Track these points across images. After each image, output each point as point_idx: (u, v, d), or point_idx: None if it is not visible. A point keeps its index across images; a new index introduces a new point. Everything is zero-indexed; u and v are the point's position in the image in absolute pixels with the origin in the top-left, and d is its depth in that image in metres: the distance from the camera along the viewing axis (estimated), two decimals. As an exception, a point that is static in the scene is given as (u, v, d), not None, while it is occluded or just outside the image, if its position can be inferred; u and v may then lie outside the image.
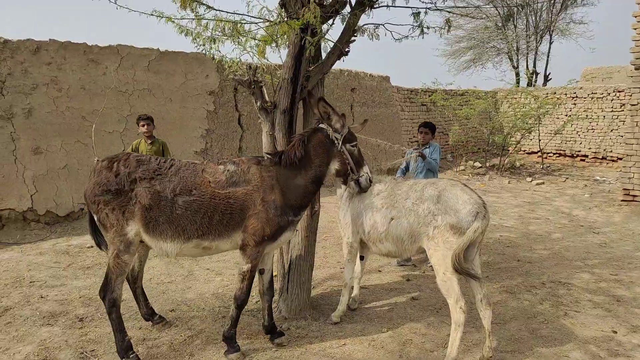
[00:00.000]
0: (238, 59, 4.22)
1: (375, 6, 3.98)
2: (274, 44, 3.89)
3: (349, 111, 11.38)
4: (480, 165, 14.26)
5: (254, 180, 3.35)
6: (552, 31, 21.09)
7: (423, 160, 5.40)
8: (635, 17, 8.73)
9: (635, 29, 8.76)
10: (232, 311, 3.52)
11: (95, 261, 5.71)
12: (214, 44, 3.92)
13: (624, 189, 9.20)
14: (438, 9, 4.45)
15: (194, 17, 3.63)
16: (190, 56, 8.22)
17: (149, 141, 6.01)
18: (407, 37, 4.37)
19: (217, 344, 3.70)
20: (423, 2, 4.15)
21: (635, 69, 8.84)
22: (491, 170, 13.81)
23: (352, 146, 3.65)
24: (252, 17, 3.54)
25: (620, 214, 8.90)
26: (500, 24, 20.88)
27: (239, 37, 3.84)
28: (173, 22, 3.87)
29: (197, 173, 3.32)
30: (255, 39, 3.69)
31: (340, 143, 3.56)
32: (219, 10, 3.62)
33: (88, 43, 7.14)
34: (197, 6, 3.54)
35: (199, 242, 3.31)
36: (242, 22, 3.62)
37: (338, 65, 4.24)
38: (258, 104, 3.97)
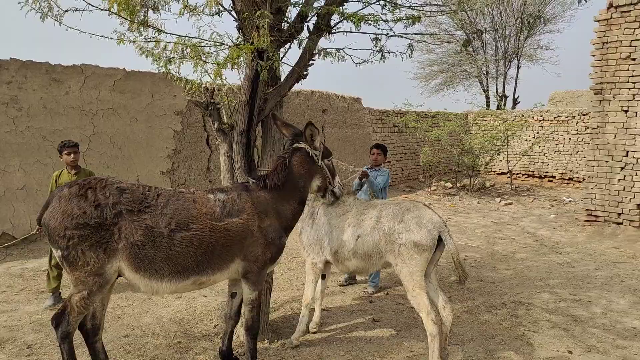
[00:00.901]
0: (198, 81, 4.23)
1: (332, 32, 4.05)
2: (234, 67, 3.92)
3: (320, 132, 11.45)
4: (451, 185, 14.48)
5: (247, 208, 3.24)
6: (520, 56, 21.83)
7: (365, 179, 5.32)
8: (594, 44, 9.11)
9: (593, 55, 9.13)
10: (249, 343, 3.41)
11: (51, 285, 5.52)
12: (171, 64, 3.91)
13: (587, 210, 9.44)
14: (396, 35, 4.55)
15: (148, 40, 3.62)
16: (157, 76, 8.19)
17: (73, 172, 5.05)
18: (367, 61, 4.45)
19: (168, 371, 3.60)
20: (381, 29, 4.23)
21: (595, 94, 9.17)
22: (462, 191, 14.02)
23: (329, 160, 3.77)
24: (209, 40, 3.55)
25: (584, 233, 9.11)
26: (470, 49, 21.51)
27: (198, 59, 3.85)
28: (130, 42, 3.86)
29: (190, 204, 3.06)
30: (210, 62, 3.69)
31: (320, 159, 3.63)
32: (169, 33, 3.63)
33: (51, 62, 7.05)
34: (144, 29, 3.53)
35: (198, 278, 3.11)
36: (198, 45, 3.63)
37: (310, 86, 4.32)
38: (215, 125, 3.96)
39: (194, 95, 4.04)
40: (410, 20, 4.05)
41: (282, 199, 3.44)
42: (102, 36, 3.49)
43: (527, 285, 5.84)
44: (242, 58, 3.71)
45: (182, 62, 4.05)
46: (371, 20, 3.43)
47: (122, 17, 3.28)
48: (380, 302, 5.23)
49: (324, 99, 11.59)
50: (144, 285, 3.00)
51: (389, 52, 4.47)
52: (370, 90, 56.65)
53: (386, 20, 3.65)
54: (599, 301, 5.28)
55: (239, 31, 3.79)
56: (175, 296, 5.24)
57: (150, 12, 3.47)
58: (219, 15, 3.83)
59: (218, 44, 3.50)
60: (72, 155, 5.00)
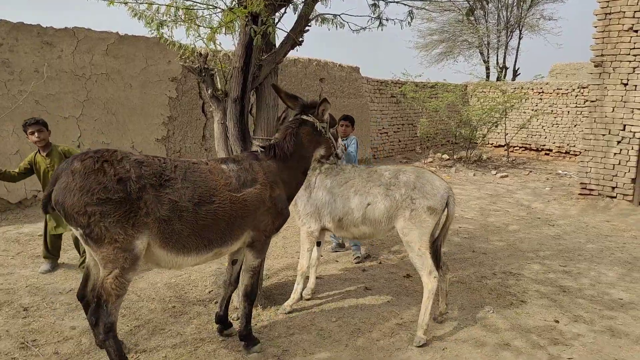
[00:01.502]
0: (192, 45, 4.14)
1: (329, -4, 3.94)
2: (228, 31, 3.84)
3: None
4: (448, 157, 14.47)
5: (260, 177, 3.27)
6: (522, 27, 21.45)
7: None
8: (596, 15, 8.94)
9: (595, 27, 8.97)
10: (245, 309, 3.47)
11: (47, 250, 5.57)
12: (163, 28, 3.82)
13: (581, 183, 9.47)
14: (395, 1, 4.45)
15: (136, 1, 3.52)
16: (152, 41, 8.03)
17: (44, 153, 4.67)
18: (364, 28, 4.37)
19: (163, 333, 3.67)
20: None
21: (595, 66, 9.06)
22: (458, 163, 14.02)
23: (334, 129, 3.88)
24: (201, 3, 3.46)
25: (577, 207, 9.17)
26: (472, 19, 21.12)
27: (191, 23, 3.77)
28: (122, 4, 3.76)
29: (207, 176, 3.01)
30: (204, 26, 3.61)
31: (328, 131, 3.72)
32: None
33: (42, 25, 6.89)
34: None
35: (219, 250, 3.12)
36: (192, 7, 3.54)
37: (307, 54, 4.28)
38: (209, 92, 3.91)
39: (188, 61, 3.96)
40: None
41: (288, 169, 3.49)
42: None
43: (518, 257, 5.92)
44: (236, 23, 3.63)
45: (175, 26, 3.97)
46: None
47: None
48: (372, 271, 5.30)
49: (321, 68, 11.43)
50: (168, 261, 2.93)
51: (387, 19, 4.39)
52: (369, 59, 55.91)
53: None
54: (588, 273, 5.37)
55: (234, -5, 3.68)
56: (170, 262, 5.29)
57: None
58: (213, -24, 3.71)
59: (211, 7, 3.41)
60: (36, 135, 4.56)
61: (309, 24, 3.98)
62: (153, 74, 8.15)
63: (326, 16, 4.08)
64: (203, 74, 3.83)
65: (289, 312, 4.12)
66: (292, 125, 3.55)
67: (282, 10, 3.76)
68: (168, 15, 3.86)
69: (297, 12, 3.85)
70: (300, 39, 3.97)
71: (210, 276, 4.93)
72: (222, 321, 3.70)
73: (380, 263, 5.60)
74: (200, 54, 3.81)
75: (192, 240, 2.92)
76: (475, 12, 20.21)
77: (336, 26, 4.22)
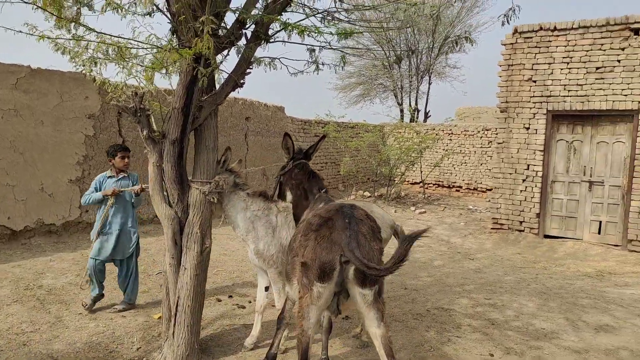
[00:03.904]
0: (123, 83, 3.93)
1: (271, 41, 3.97)
2: (163, 71, 3.70)
3: (243, 140, 11.24)
4: (369, 194, 14.91)
5: None
6: (431, 73, 23.20)
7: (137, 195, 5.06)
8: (501, 65, 9.92)
9: (500, 76, 9.94)
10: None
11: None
12: (95, 65, 3.60)
13: (493, 218, 10.20)
14: (332, 48, 4.60)
15: (71, 38, 3.29)
16: (68, 76, 7.52)
17: None
18: (302, 72, 4.44)
19: (89, 402, 3.26)
20: (319, 41, 4.24)
21: (501, 111, 9.98)
22: (379, 200, 14.49)
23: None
24: (140, 42, 3.31)
25: (491, 240, 9.82)
26: (386, 64, 22.48)
27: (124, 61, 3.58)
28: (47, 39, 3.49)
29: None
30: (141, 65, 3.45)
31: None
32: (101, 33, 3.33)
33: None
34: (76, 27, 3.22)
35: None
36: (129, 46, 3.37)
37: (232, 94, 4.19)
38: (144, 133, 3.70)
39: (121, 100, 3.74)
40: (345, 35, 4.11)
41: None
42: (20, 31, 3.10)
43: (446, 292, 6.14)
44: (176, 63, 3.52)
45: (105, 63, 3.76)
46: (315, 32, 3.41)
47: (50, 13, 2.94)
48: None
49: (247, 107, 11.41)
50: None
51: (323, 64, 4.52)
52: (291, 99, 57.10)
53: (328, 33, 3.65)
54: (511, 304, 5.69)
55: (173, 34, 3.58)
56: (90, 318, 4.79)
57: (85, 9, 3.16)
58: (150, 15, 3.59)
59: (151, 47, 3.27)
60: None
61: (251, 67, 3.96)
62: (68, 110, 7.59)
63: (264, 59, 4.11)
64: (139, 114, 3.63)
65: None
66: None
67: (225, 52, 3.71)
68: (100, 52, 3.66)
69: (239, 55, 3.82)
70: (242, 81, 3.93)
71: (137, 331, 4.53)
72: None
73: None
74: (136, 94, 3.62)
75: None
76: (389, 58, 21.56)
77: (271, 68, 4.27)
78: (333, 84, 34.77)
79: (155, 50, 3.30)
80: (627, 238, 8.67)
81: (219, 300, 5.48)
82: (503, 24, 4.40)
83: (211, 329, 4.67)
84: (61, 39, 3.33)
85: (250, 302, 5.46)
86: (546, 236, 9.59)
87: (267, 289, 4.33)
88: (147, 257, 7.06)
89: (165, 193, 3.86)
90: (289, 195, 3.87)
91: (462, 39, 4.67)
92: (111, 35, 3.33)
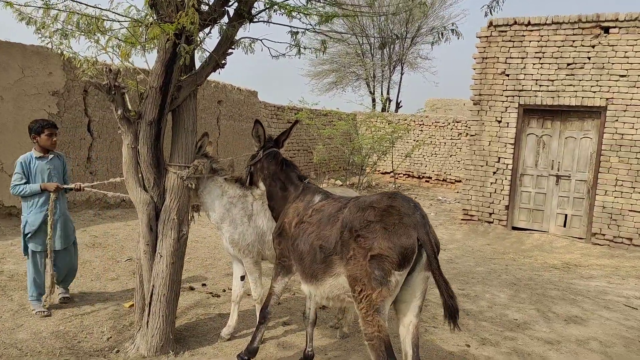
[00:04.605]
0: (94, 59, 3.68)
1: (254, 20, 3.80)
2: (149, 48, 3.49)
3: (215, 124, 10.96)
4: (341, 183, 14.89)
5: None
6: (403, 63, 23.29)
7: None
8: (475, 58, 9.99)
9: (474, 69, 10.02)
10: None
11: None
12: (66, 38, 3.34)
13: (464, 210, 10.35)
14: (316, 31, 4.48)
15: (40, 6, 3.04)
16: (30, 49, 7.08)
17: None
18: (284, 54, 4.31)
19: (56, 397, 3.08)
20: (304, 23, 4.10)
21: (474, 104, 10.07)
22: (350, 188, 14.49)
23: None
24: (117, 14, 3.09)
25: (461, 231, 9.97)
26: (359, 52, 22.40)
27: (102, 34, 3.34)
28: (12, 6, 3.22)
29: None
30: (119, 39, 3.22)
31: None
32: (76, 1, 3.09)
33: None
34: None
35: None
36: (104, 18, 3.14)
37: None
38: (119, 112, 3.48)
39: (94, 77, 3.50)
40: (331, 18, 3.98)
41: None
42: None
43: (421, 282, 6.17)
44: (155, 39, 3.31)
45: (74, 36, 3.50)
46: (304, 12, 3.27)
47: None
48: (287, 304, 5.11)
49: (219, 90, 11.11)
50: None
51: (305, 48, 4.39)
52: (267, 83, 56.30)
53: (319, 15, 3.51)
54: (483, 295, 5.77)
55: (151, 8, 3.35)
56: (57, 307, 4.54)
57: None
58: (127, -14, 3.35)
59: (130, 20, 3.06)
60: None
61: (232, 47, 3.79)
62: (30, 86, 7.15)
63: (246, 40, 3.95)
64: (113, 92, 3.40)
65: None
66: None
67: (207, 31, 3.52)
68: (69, 24, 3.41)
69: (221, 33, 3.63)
70: (224, 62, 3.75)
71: (107, 320, 4.33)
72: None
73: (294, 294, 5.43)
74: (110, 70, 3.39)
75: None
76: (362, 46, 21.43)
77: (247, 51, 4.12)
78: (305, 70, 34.51)
79: (135, 24, 3.08)
80: (591, 231, 8.97)
81: (192, 289, 5.31)
82: (486, 15, 4.38)
83: (185, 318, 4.52)
84: (30, 7, 3.06)
85: (224, 290, 5.32)
86: (514, 228, 9.81)
87: (242, 278, 4.20)
88: (115, 243, 6.79)
89: (140, 176, 3.66)
90: (262, 186, 3.75)
91: (448, 30, 4.61)
92: (87, 5, 3.08)
